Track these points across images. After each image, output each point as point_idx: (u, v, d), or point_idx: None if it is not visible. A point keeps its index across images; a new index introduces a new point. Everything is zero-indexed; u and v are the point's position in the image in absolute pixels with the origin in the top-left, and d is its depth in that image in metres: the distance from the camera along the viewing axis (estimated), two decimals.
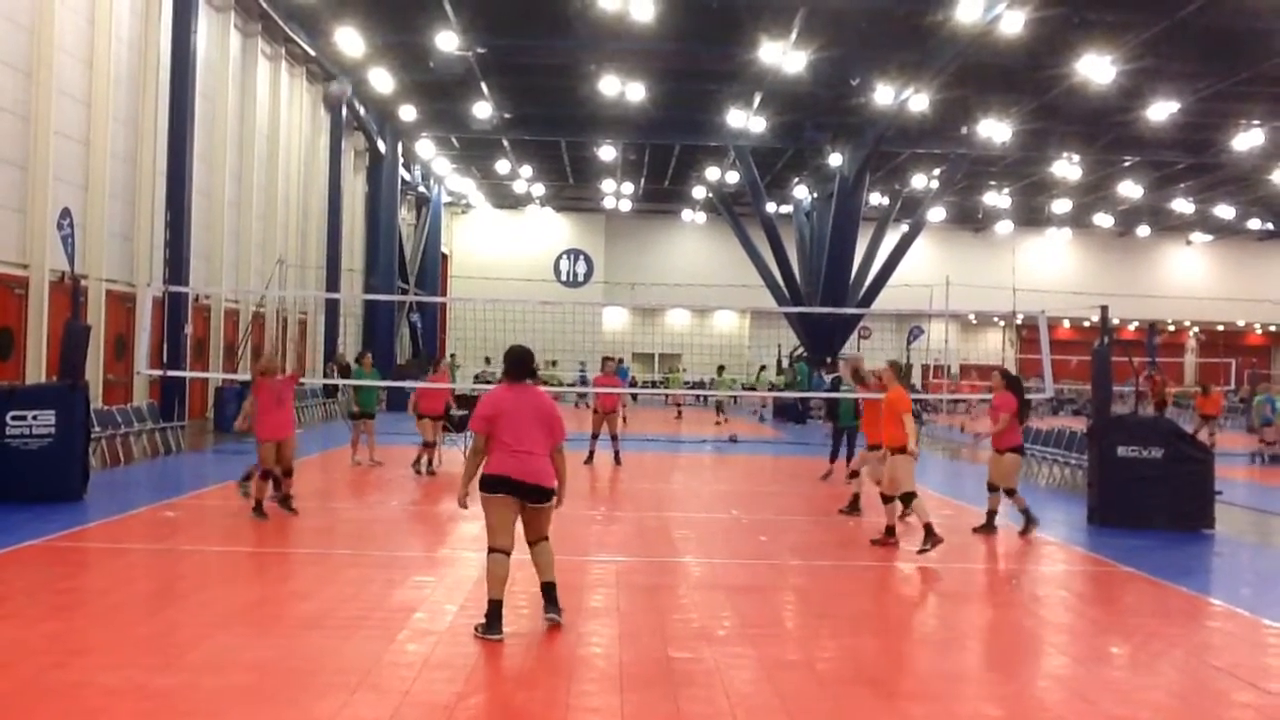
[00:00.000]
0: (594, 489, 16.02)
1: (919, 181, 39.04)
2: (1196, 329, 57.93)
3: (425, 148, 37.59)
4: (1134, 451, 12.92)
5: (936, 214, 43.83)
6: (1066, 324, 51.05)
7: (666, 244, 51.75)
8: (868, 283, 34.97)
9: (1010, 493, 12.15)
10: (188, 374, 18.88)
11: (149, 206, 21.46)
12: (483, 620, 7.20)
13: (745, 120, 30.61)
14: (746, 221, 38.62)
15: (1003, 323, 54.36)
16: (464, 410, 16.64)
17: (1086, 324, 48.46)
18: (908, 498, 10.97)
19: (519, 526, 7.38)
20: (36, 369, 17.49)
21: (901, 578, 10.14)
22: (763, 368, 40.51)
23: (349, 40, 25.01)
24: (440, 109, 32.42)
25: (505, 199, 49.50)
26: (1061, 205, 44.35)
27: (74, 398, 13.03)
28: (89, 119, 19.45)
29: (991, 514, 12.26)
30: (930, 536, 10.53)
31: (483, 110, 30.76)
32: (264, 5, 25.34)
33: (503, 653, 7.07)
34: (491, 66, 27.71)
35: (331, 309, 31.67)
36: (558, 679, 6.41)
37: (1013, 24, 20.96)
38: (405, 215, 40.92)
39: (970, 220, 50.00)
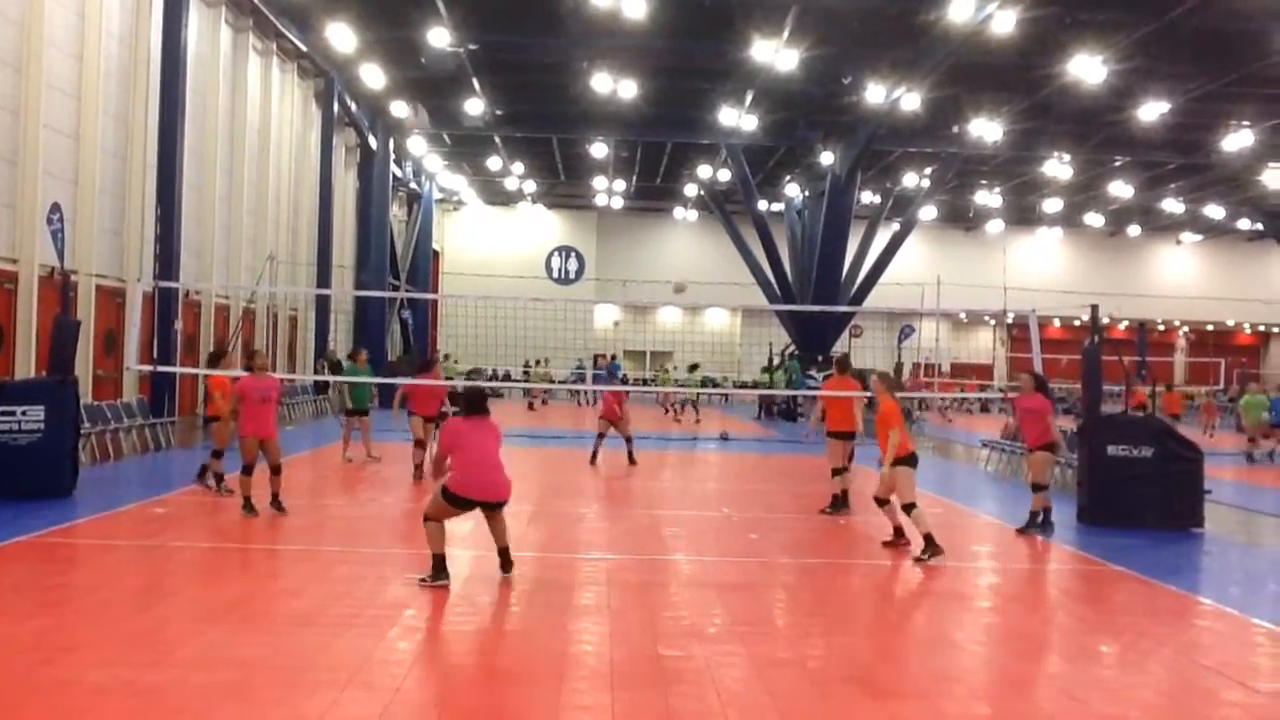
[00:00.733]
0: (584, 487, 16.02)
1: (910, 180, 39.08)
2: (1186, 328, 58.14)
3: (417, 144, 37.52)
4: (1124, 450, 12.96)
5: (928, 213, 43.86)
6: (1057, 323, 51.15)
7: (658, 241, 51.72)
8: (859, 281, 35.01)
9: (1040, 488, 12.24)
10: (178, 369, 18.82)
11: (139, 201, 21.39)
12: (428, 574, 8.62)
13: (737, 118, 30.61)
14: (738, 219, 38.65)
15: (994, 322, 54.50)
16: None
17: (1077, 323, 48.49)
18: (909, 507, 10.90)
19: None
20: (26, 364, 17.43)
21: (892, 576, 10.15)
22: (772, 367, 40.21)
23: (340, 36, 24.95)
24: (432, 105, 32.36)
25: (497, 195, 49.44)
26: (1052, 204, 44.45)
27: (63, 393, 12.99)
28: (79, 113, 19.38)
29: (1034, 514, 12.27)
30: (930, 545, 10.46)
31: (474, 107, 30.71)
32: (255, 0, 25.26)
33: (493, 650, 7.07)
34: (483, 63, 27.65)
35: (322, 305, 31.59)
36: (548, 677, 6.40)
37: (1004, 23, 21.00)
38: (397, 211, 40.85)
39: (961, 219, 50.09)
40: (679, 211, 49.71)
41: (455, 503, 8.70)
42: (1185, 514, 12.87)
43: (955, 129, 31.09)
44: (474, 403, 8.99)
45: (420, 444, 15.94)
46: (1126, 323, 51.34)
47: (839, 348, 34.04)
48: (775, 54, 24.23)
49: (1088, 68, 23.43)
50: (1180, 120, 29.43)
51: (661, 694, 6.16)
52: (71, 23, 19.06)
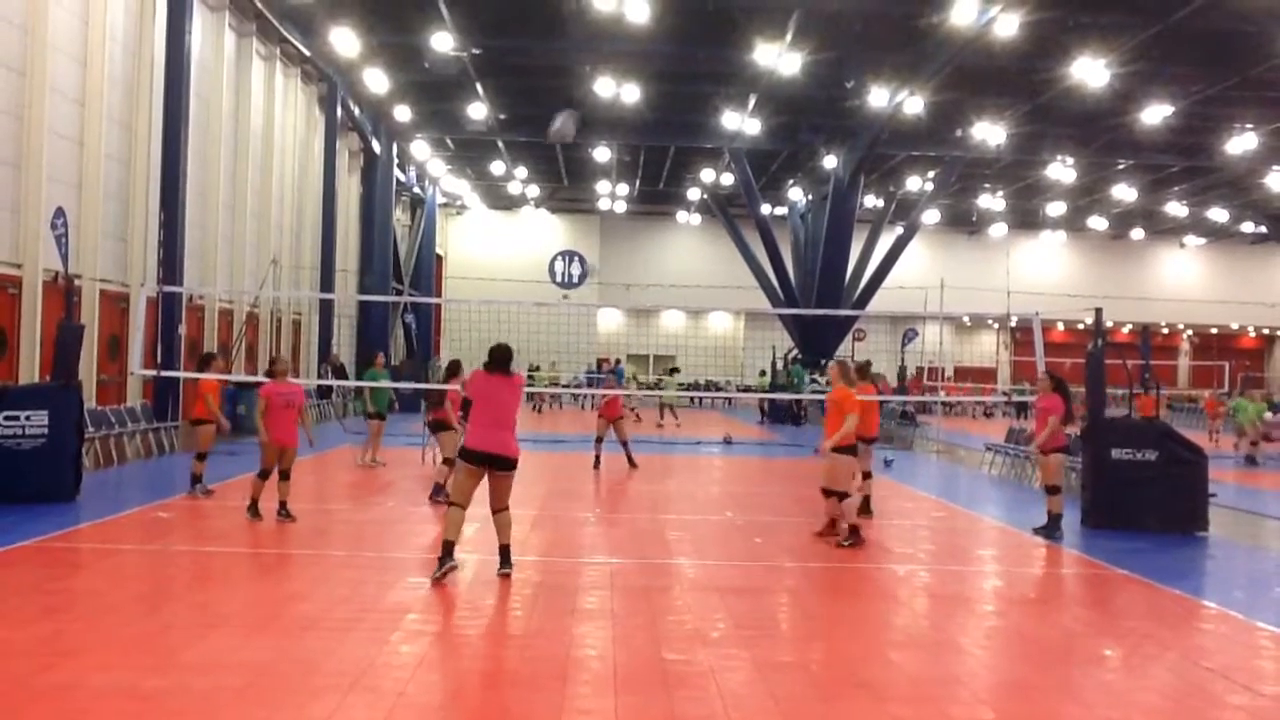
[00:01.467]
0: (588, 491, 16.02)
1: (914, 184, 39.10)
2: (1190, 332, 58.06)
3: (420, 148, 37.57)
4: (1128, 454, 12.94)
5: (931, 216, 43.89)
6: (1061, 326, 51.12)
7: (661, 245, 51.76)
8: (862, 285, 35.03)
9: (1054, 490, 12.26)
10: (181, 374, 18.80)
11: (143, 206, 21.40)
12: (439, 572, 8.76)
13: (740, 122, 30.63)
14: (741, 223, 38.67)
15: (997, 325, 54.43)
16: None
17: (1080, 326, 48.47)
18: (841, 496, 11.31)
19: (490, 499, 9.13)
20: (30, 369, 17.43)
21: (895, 579, 10.14)
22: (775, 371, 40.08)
23: (344, 40, 25.00)
24: (435, 110, 32.41)
25: (500, 200, 49.47)
26: (1056, 208, 44.43)
27: (67, 398, 13.01)
28: (83, 118, 19.40)
29: (1056, 517, 12.25)
30: (853, 535, 11.15)
31: (478, 111, 30.73)
32: (259, 5, 25.30)
33: (497, 654, 7.07)
34: (486, 67, 27.70)
35: (326, 310, 31.61)
36: (552, 680, 6.40)
37: (1007, 27, 21.01)
38: (400, 216, 40.87)
39: (965, 223, 50.07)
40: (682, 215, 49.73)
41: (469, 458, 8.91)
42: (1189, 517, 12.85)
43: (958, 132, 31.10)
44: (497, 360, 9.12)
45: (450, 462, 13.31)
46: (1130, 326, 51.28)
47: (842, 351, 34.03)
48: (778, 58, 24.25)
49: (1091, 71, 23.44)
50: (1183, 123, 29.42)
51: (665, 698, 6.15)
52: (75, 27, 19.09)
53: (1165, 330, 56.02)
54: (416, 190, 42.02)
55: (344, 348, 33.77)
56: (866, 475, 13.63)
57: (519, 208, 50.18)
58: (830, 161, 33.10)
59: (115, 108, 20.50)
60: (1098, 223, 47.98)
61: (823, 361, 36.36)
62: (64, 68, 18.65)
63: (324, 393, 29.37)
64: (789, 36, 23.31)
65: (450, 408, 14.37)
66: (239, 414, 21.07)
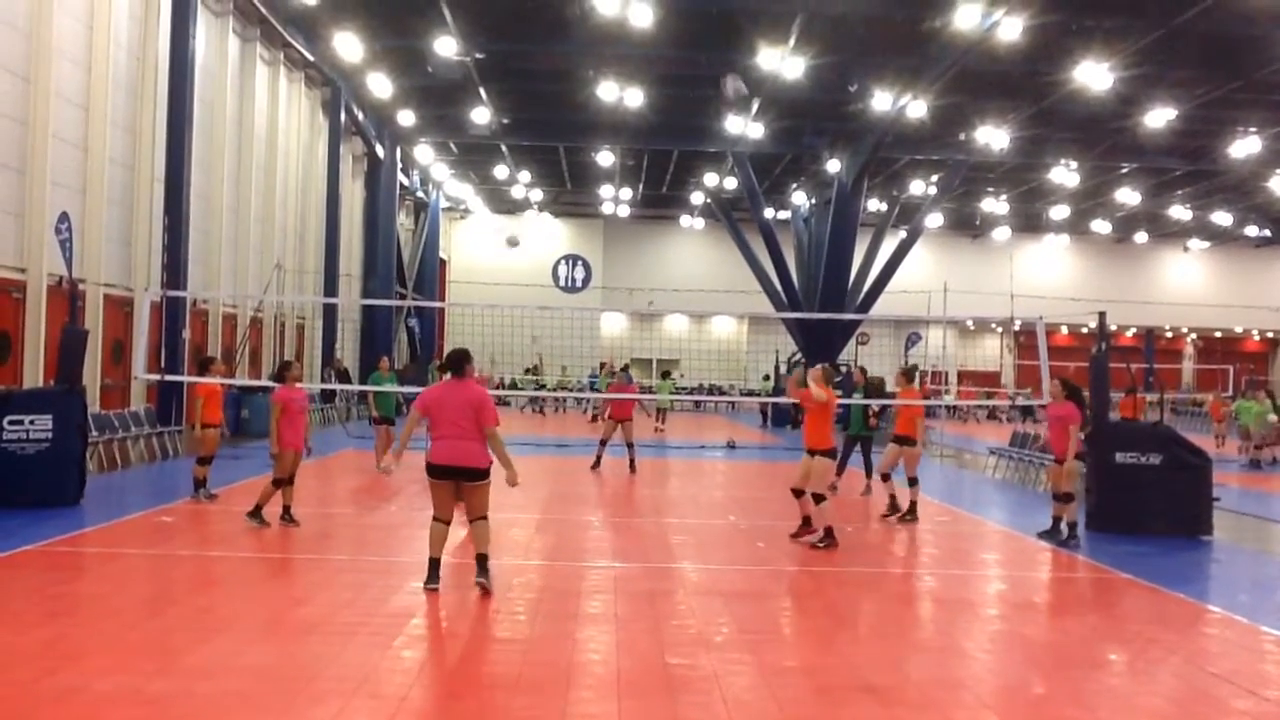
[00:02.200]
0: (591, 495, 16.02)
1: (917, 187, 39.08)
2: (1194, 335, 57.97)
3: (424, 153, 37.60)
4: (1132, 458, 12.92)
5: (934, 220, 43.84)
6: (1064, 330, 51.02)
7: (665, 249, 51.78)
8: (866, 288, 34.99)
9: (1067, 497, 12.12)
10: (185, 379, 18.81)
11: (147, 211, 21.44)
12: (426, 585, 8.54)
13: (744, 126, 30.63)
14: (745, 227, 38.64)
15: (1000, 329, 54.37)
16: None
17: (1084, 330, 48.44)
18: (818, 498, 11.35)
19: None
20: (34, 373, 17.45)
21: (899, 584, 10.13)
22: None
23: (347, 45, 25.04)
24: (439, 114, 32.44)
25: (503, 204, 49.50)
26: (1059, 211, 44.39)
27: (71, 402, 13.02)
28: (87, 123, 19.43)
29: (1071, 525, 12.06)
30: (828, 537, 11.20)
31: (481, 115, 30.76)
32: (263, 10, 25.35)
33: (499, 659, 7.06)
34: (490, 72, 27.73)
35: (329, 314, 31.65)
36: (555, 685, 6.39)
37: (1010, 31, 21.01)
38: (403, 220, 40.92)
39: (968, 226, 50.04)
40: (685, 219, 49.74)
41: (433, 474, 8.55)
42: (1194, 521, 12.83)
43: (962, 136, 31.09)
44: (450, 363, 8.77)
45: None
46: (1134, 329, 51.18)
47: (845, 355, 34.00)
48: (781, 62, 24.26)
49: (1094, 74, 23.43)
50: (1187, 126, 29.41)
51: (669, 703, 6.14)
52: (80, 33, 19.13)
53: (1169, 334, 55.91)
54: (420, 194, 42.06)
55: (348, 352, 33.80)
56: (913, 481, 13.68)
57: (522, 212, 50.22)
58: (834, 165, 33.09)
59: (119, 112, 20.53)
60: (1101, 226, 47.93)
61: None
62: (68, 73, 18.69)
63: (328, 397, 29.39)
64: (792, 40, 23.31)
65: None
66: (242, 418, 21.08)
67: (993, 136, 29.88)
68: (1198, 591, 9.96)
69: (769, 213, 37.36)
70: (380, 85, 27.94)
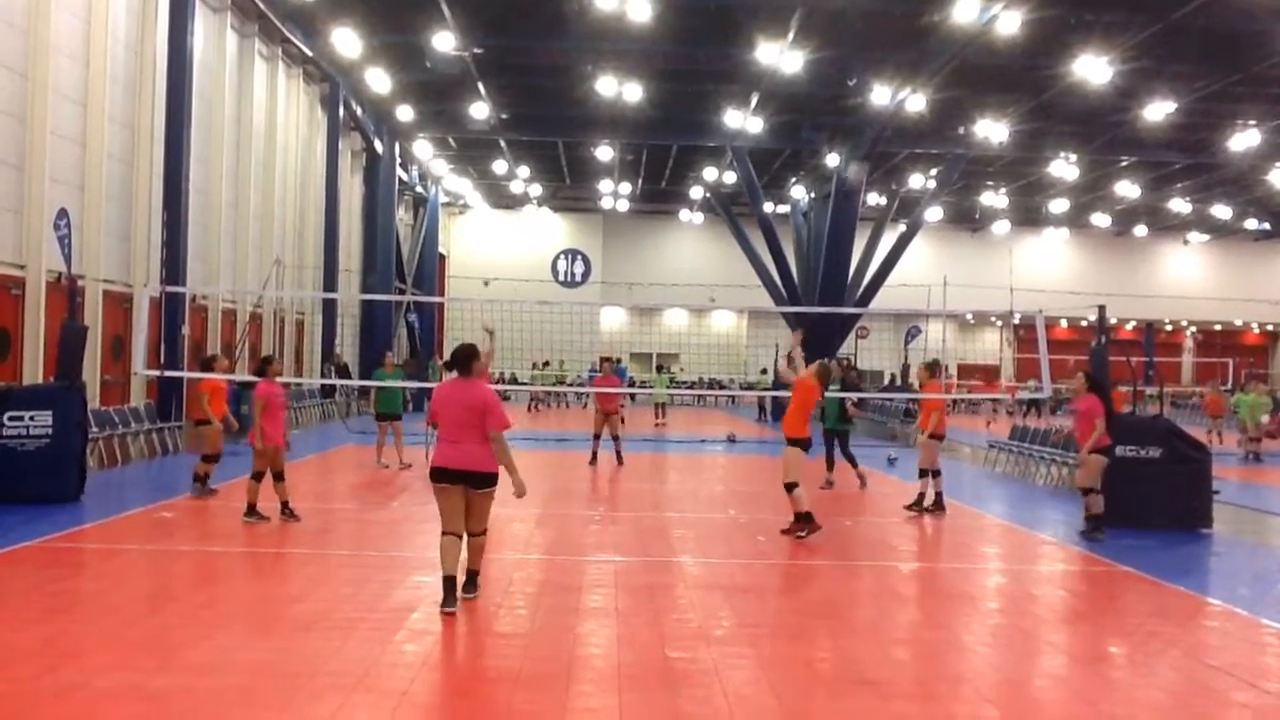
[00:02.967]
0: (591, 489, 16.03)
1: (916, 181, 39.04)
2: (1194, 329, 57.97)
3: (422, 148, 37.55)
4: (1132, 451, 12.92)
5: (934, 214, 43.81)
6: (1064, 324, 51.08)
7: (664, 244, 51.76)
8: (865, 282, 34.95)
9: (1086, 491, 12.13)
10: (185, 374, 18.79)
11: (145, 207, 21.41)
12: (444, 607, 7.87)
13: (743, 120, 30.60)
14: (744, 222, 38.60)
15: (1000, 323, 54.39)
16: None
17: (1084, 323, 48.50)
18: (790, 486, 11.44)
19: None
20: (34, 369, 17.45)
21: (899, 577, 10.13)
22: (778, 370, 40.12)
23: (346, 40, 24.99)
24: (437, 109, 32.40)
25: (502, 199, 49.47)
26: (1059, 205, 44.35)
27: (71, 398, 13.03)
28: (85, 119, 19.40)
29: (1098, 518, 12.05)
30: (809, 523, 11.31)
31: (480, 110, 30.73)
32: (261, 6, 25.30)
33: (500, 653, 7.07)
34: (488, 67, 27.68)
35: (329, 309, 31.62)
36: (555, 679, 6.40)
37: (1009, 24, 20.96)
38: (402, 215, 40.88)
39: (968, 220, 50.02)
40: (685, 214, 49.70)
41: (438, 478, 8.01)
42: (1193, 514, 12.84)
43: (961, 130, 31.05)
44: (456, 361, 8.27)
45: None
46: (1134, 323, 51.17)
47: (845, 350, 34.00)
48: (780, 56, 24.22)
49: (1093, 68, 23.39)
50: (1186, 120, 29.36)
51: (669, 696, 6.15)
52: (77, 29, 19.09)
53: (1169, 327, 55.92)
54: (419, 190, 42.01)
55: (347, 347, 33.79)
56: (936, 473, 13.68)
57: (522, 207, 50.18)
58: (833, 159, 33.06)
59: (117, 108, 20.50)
60: (1100, 219, 47.90)
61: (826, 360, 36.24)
62: (66, 69, 18.65)
63: (327, 392, 29.38)
64: (791, 34, 23.27)
65: None
66: (243, 414, 21.03)
67: (992, 130, 29.84)
68: (1198, 584, 9.97)
69: (768, 207, 37.30)
70: (379, 80, 27.89)
